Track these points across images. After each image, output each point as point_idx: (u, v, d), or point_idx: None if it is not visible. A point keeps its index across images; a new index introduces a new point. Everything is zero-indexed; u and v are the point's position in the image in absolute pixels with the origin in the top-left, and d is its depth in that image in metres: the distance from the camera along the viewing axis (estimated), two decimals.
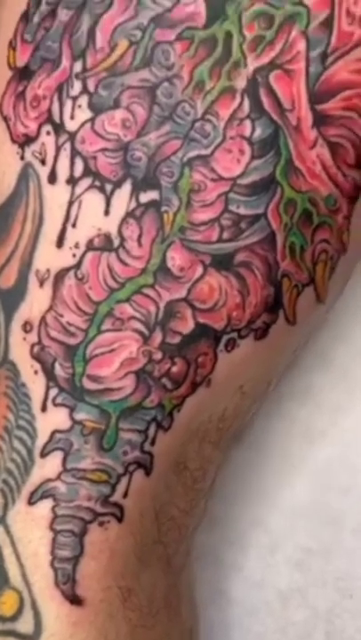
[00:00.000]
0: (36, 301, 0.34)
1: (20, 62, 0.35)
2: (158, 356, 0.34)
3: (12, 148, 0.35)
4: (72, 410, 0.34)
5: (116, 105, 0.33)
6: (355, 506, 0.47)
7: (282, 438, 0.47)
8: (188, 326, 0.34)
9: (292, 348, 0.38)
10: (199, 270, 0.34)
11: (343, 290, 0.40)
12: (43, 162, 0.34)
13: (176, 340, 0.34)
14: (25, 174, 0.35)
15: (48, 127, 0.34)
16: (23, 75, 0.35)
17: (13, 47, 0.36)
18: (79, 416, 0.34)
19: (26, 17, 0.36)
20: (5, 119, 0.36)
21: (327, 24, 0.33)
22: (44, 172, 0.34)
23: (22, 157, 0.35)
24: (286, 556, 0.46)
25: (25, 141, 0.35)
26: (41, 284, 0.34)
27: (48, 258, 0.34)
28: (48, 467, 0.35)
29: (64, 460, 0.34)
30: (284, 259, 0.35)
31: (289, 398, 0.46)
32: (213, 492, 0.40)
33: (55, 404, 0.35)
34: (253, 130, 0.34)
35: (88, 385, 0.34)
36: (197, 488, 0.38)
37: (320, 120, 0.34)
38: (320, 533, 0.47)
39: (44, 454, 0.35)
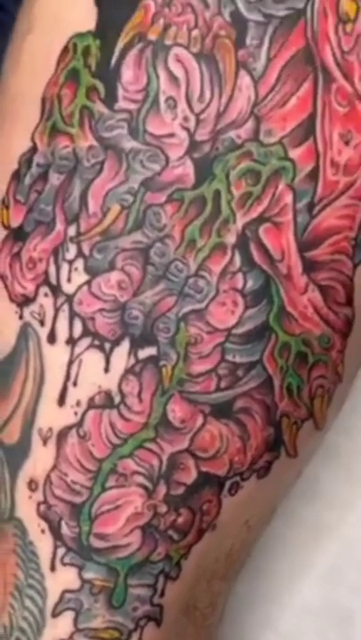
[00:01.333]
0: (40, 460, 0.35)
1: (14, 222, 0.36)
2: (163, 508, 0.35)
3: (11, 307, 0.36)
4: (81, 569, 0.35)
5: (112, 267, 0.34)
6: None
7: (290, 536, 0.48)
8: (191, 476, 0.35)
9: (294, 474, 0.39)
10: (200, 420, 0.35)
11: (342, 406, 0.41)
12: (42, 322, 0.35)
13: (180, 490, 0.35)
14: (24, 333, 0.36)
15: (45, 289, 0.35)
16: (18, 235, 0.36)
17: (6, 206, 0.37)
18: (88, 575, 0.35)
19: (17, 176, 0.37)
20: (2, 278, 0.37)
21: (313, 175, 0.34)
22: (43, 332, 0.35)
23: (21, 317, 0.36)
24: None
25: (23, 302, 0.35)
26: (44, 442, 0.35)
27: (50, 416, 0.35)
28: (60, 627, 0.35)
29: (75, 620, 0.35)
30: (282, 400, 0.35)
31: (296, 495, 0.47)
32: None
33: (64, 564, 0.35)
34: (245, 282, 0.35)
35: (95, 543, 0.35)
36: (208, 624, 0.38)
37: (310, 266, 0.35)
38: (330, 633, 0.48)
39: (55, 614, 0.35)
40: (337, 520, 0.47)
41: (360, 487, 0.47)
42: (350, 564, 0.47)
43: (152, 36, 0.34)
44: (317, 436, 0.39)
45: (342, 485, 0.48)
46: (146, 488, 0.35)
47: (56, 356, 0.34)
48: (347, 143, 0.35)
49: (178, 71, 0.34)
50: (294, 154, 0.35)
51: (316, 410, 0.37)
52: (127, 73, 0.34)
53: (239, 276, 0.35)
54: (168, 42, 0.34)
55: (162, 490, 0.35)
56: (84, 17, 0.36)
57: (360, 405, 0.47)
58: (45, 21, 0.38)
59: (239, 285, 0.35)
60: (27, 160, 0.36)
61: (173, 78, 0.34)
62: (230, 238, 0.34)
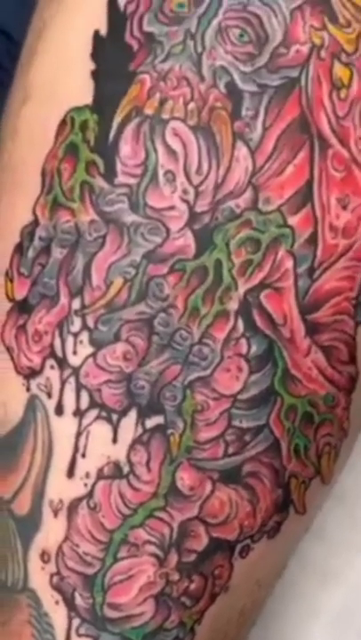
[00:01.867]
0: (51, 531, 0.35)
1: (19, 295, 0.36)
2: (176, 576, 0.35)
3: (17, 379, 0.36)
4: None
5: (117, 339, 0.35)
6: None
7: (299, 581, 0.48)
8: (202, 543, 0.35)
9: (304, 529, 0.40)
10: (209, 487, 0.35)
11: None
12: (49, 394, 0.35)
13: (192, 558, 0.35)
14: (32, 405, 0.36)
15: (52, 361, 0.35)
16: (23, 308, 0.36)
17: (10, 279, 0.37)
18: None
19: (20, 249, 0.37)
20: (8, 350, 0.37)
21: (312, 240, 0.35)
22: (50, 404, 0.35)
23: (28, 389, 0.36)
24: None
25: (30, 374, 0.36)
26: (55, 514, 0.35)
27: (60, 488, 0.35)
28: None
29: None
30: (290, 461, 0.36)
31: (305, 540, 0.47)
32: None
33: (79, 635, 0.35)
34: (249, 347, 0.35)
35: (109, 613, 0.35)
36: None
37: (312, 329, 0.35)
38: None
39: None
40: (343, 565, 0.48)
41: None
42: (358, 609, 0.48)
43: (149, 111, 0.35)
44: (325, 490, 0.39)
45: (348, 531, 0.48)
46: (157, 557, 0.35)
47: (64, 428, 0.35)
48: (344, 207, 0.36)
49: (175, 145, 0.35)
50: (293, 220, 0.35)
51: (323, 467, 0.37)
52: (125, 148, 0.35)
53: (243, 342, 0.35)
54: (165, 116, 0.35)
55: (173, 558, 0.35)
56: (81, 89, 0.37)
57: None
58: (42, 91, 0.38)
59: (243, 351, 0.35)
60: (29, 233, 0.37)
61: (171, 152, 0.35)
62: (233, 305, 0.35)
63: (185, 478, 0.35)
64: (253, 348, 0.35)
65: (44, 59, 0.38)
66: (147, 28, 0.35)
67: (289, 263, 0.35)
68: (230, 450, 0.35)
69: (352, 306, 0.36)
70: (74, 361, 0.35)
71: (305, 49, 0.35)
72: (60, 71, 0.38)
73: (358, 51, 0.35)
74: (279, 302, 0.35)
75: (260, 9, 0.35)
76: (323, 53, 0.35)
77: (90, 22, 0.37)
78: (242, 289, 0.35)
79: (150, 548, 0.35)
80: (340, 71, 0.35)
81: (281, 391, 0.35)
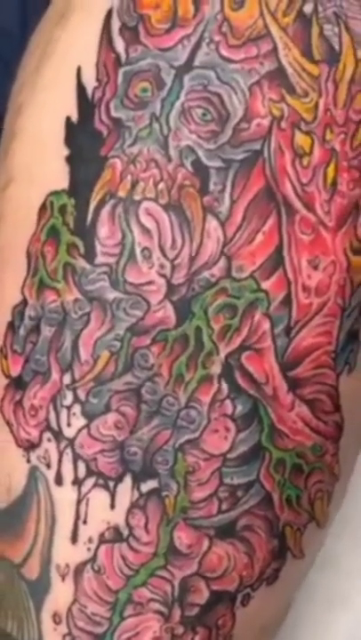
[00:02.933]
0: (60, 594, 0.37)
1: (14, 372, 0.38)
2: (180, 630, 0.37)
3: (18, 452, 0.38)
4: None
5: (107, 409, 0.36)
6: None
7: (304, 607, 0.49)
8: (203, 596, 0.37)
9: (304, 571, 0.41)
10: (206, 544, 0.37)
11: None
12: (48, 465, 0.37)
13: (195, 611, 0.37)
14: (33, 476, 0.38)
15: (48, 434, 0.37)
16: (18, 384, 0.38)
17: (5, 356, 0.39)
18: None
19: (12, 327, 0.39)
20: (8, 424, 0.39)
21: (287, 302, 0.37)
22: (50, 474, 0.37)
23: (28, 460, 0.38)
24: None
25: (29, 446, 0.38)
26: (63, 578, 0.37)
27: (65, 553, 0.37)
28: None
29: None
30: (283, 511, 0.37)
31: (312, 567, 0.49)
32: None
33: None
34: (234, 407, 0.37)
35: None
36: None
37: (294, 384, 0.37)
38: None
39: None
40: (351, 589, 0.49)
41: None
42: None
43: (122, 193, 0.37)
44: (323, 533, 0.41)
45: (355, 555, 0.49)
46: (162, 613, 0.37)
47: (65, 497, 0.37)
48: (315, 268, 0.37)
49: (149, 223, 0.37)
50: (266, 285, 0.37)
51: (317, 512, 0.38)
52: (103, 229, 0.37)
53: (228, 403, 0.37)
54: (137, 197, 0.37)
55: (177, 613, 0.37)
56: (57, 174, 0.38)
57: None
58: (22, 174, 0.40)
59: (229, 411, 0.37)
60: (19, 312, 0.38)
61: (146, 230, 0.37)
62: (215, 369, 0.37)
63: (182, 537, 0.36)
64: (239, 408, 0.37)
65: (22, 142, 0.40)
66: (114, 113, 0.37)
67: (266, 325, 0.37)
68: (224, 506, 0.37)
69: (331, 359, 0.38)
70: (69, 433, 0.37)
71: (265, 122, 0.37)
72: (37, 155, 0.40)
73: (317, 118, 0.37)
74: (260, 362, 0.37)
75: (220, 88, 0.37)
76: (283, 124, 0.37)
77: (62, 108, 0.38)
78: (223, 353, 0.36)
79: (154, 606, 0.37)
80: (301, 140, 0.37)
81: (269, 446, 0.37)
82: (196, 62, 0.36)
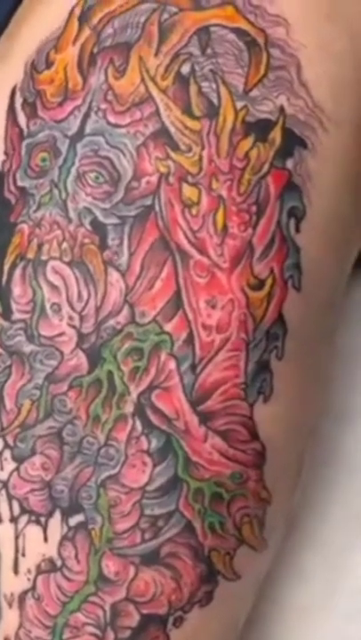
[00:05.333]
0: (9, 621, 0.41)
1: None
2: None
3: None
4: None
5: (34, 452, 0.40)
6: None
7: (276, 621, 0.50)
8: (134, 620, 0.40)
9: (246, 591, 0.42)
10: (132, 571, 0.39)
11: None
12: None
13: (127, 634, 0.40)
14: None
15: None
16: None
17: None
18: None
19: None
20: None
21: (189, 341, 0.39)
22: None
23: None
24: None
25: None
26: (10, 605, 0.41)
27: (10, 583, 0.40)
28: None
29: None
30: (206, 538, 0.40)
31: (279, 577, 0.50)
32: None
33: None
34: (149, 443, 0.39)
35: None
36: None
37: (206, 417, 0.40)
38: None
39: None
40: (323, 602, 0.49)
41: (343, 569, 0.50)
42: None
43: (30, 255, 0.40)
44: (262, 556, 0.42)
45: (326, 569, 0.50)
46: (97, 636, 0.40)
47: (5, 534, 0.40)
48: (214, 307, 0.40)
49: (56, 281, 0.40)
50: (169, 327, 0.39)
51: (246, 536, 0.40)
52: (16, 289, 0.40)
53: (143, 439, 0.40)
54: (44, 257, 0.40)
55: (110, 635, 0.40)
56: None
57: (330, 488, 0.50)
58: None
59: (145, 447, 0.40)
60: None
61: (54, 287, 0.40)
62: (129, 408, 0.39)
63: (110, 565, 0.39)
64: (153, 443, 0.39)
65: None
66: (20, 183, 0.40)
67: (172, 364, 0.39)
68: (147, 536, 0.39)
69: (242, 390, 0.40)
70: (2, 476, 0.40)
71: (154, 179, 0.39)
72: None
73: (203, 170, 0.40)
74: (169, 399, 0.40)
75: (109, 152, 0.40)
76: (171, 179, 0.40)
77: None
78: (134, 393, 0.39)
79: (89, 629, 0.40)
80: (188, 192, 0.39)
81: (185, 477, 0.40)
82: (87, 130, 0.40)
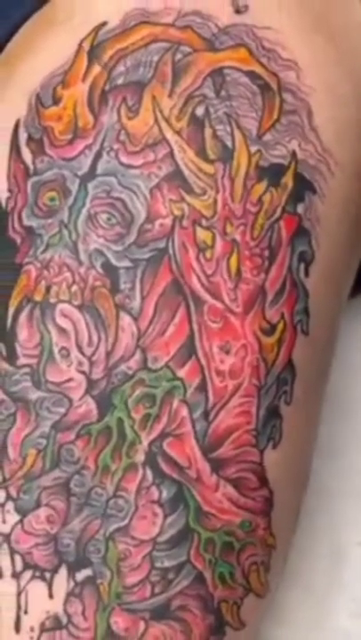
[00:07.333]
0: None
1: None
2: None
3: None
4: None
5: (38, 504, 0.38)
6: None
7: None
8: None
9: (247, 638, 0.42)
10: (142, 626, 0.38)
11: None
12: None
13: None
14: None
15: None
16: None
17: None
18: None
19: None
20: None
21: (202, 387, 0.39)
22: None
23: None
24: None
25: None
26: None
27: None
28: None
29: None
30: (216, 588, 0.39)
31: (264, 619, 0.51)
32: None
33: None
34: (160, 493, 0.38)
35: None
36: None
37: (218, 465, 0.39)
38: None
39: None
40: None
41: (323, 608, 0.50)
42: None
43: (37, 297, 0.39)
44: (264, 601, 0.42)
45: (307, 608, 0.51)
46: None
47: (5, 589, 0.38)
48: (227, 352, 0.40)
49: (65, 324, 0.39)
50: (181, 372, 0.39)
51: (253, 584, 0.40)
52: (22, 332, 0.39)
53: (154, 489, 0.38)
54: (52, 300, 0.39)
55: None
56: None
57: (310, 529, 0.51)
58: None
59: (155, 497, 0.38)
60: None
61: (63, 331, 0.39)
62: (139, 457, 0.38)
63: (119, 622, 0.38)
64: (164, 493, 0.38)
65: None
66: (26, 222, 0.39)
67: (184, 411, 0.39)
68: (157, 589, 0.38)
69: (253, 436, 0.40)
70: (4, 529, 0.38)
71: (168, 221, 0.39)
72: None
73: (217, 214, 0.39)
74: (181, 447, 0.39)
75: (122, 193, 0.39)
76: (185, 222, 0.39)
77: None
78: (145, 441, 0.38)
79: None
80: (202, 235, 0.39)
81: (197, 528, 0.39)
82: (99, 170, 0.39)
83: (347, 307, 0.46)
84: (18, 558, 0.38)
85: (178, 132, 0.39)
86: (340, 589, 0.51)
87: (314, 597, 0.51)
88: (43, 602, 0.38)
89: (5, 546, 0.38)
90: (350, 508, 0.53)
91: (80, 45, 0.39)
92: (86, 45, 0.40)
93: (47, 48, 0.40)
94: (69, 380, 0.38)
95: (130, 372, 0.38)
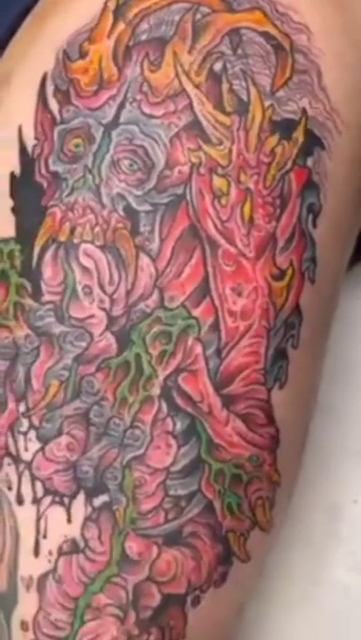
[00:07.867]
0: (26, 604, 0.40)
1: None
2: (136, 631, 0.40)
3: None
4: None
5: (60, 433, 0.40)
6: None
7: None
8: (155, 600, 0.40)
9: (252, 574, 0.44)
10: (155, 551, 0.40)
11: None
12: (9, 487, 0.41)
13: (148, 613, 0.40)
14: None
15: (8, 459, 0.41)
16: None
17: None
18: None
19: None
20: None
21: (215, 326, 0.41)
22: (11, 495, 0.41)
23: None
24: None
25: None
26: (27, 589, 0.40)
27: (29, 566, 0.40)
28: None
29: None
30: (225, 518, 0.41)
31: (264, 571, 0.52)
32: None
33: None
34: (174, 425, 0.41)
35: None
36: None
37: (228, 401, 0.41)
38: None
39: None
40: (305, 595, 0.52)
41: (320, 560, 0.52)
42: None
43: (62, 238, 0.41)
44: (269, 537, 0.44)
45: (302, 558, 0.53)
46: (118, 617, 0.40)
47: (26, 515, 0.40)
48: (239, 294, 0.42)
49: (88, 263, 0.41)
50: (196, 312, 0.41)
51: (259, 518, 0.42)
52: (47, 271, 0.41)
53: (168, 421, 0.41)
54: (76, 240, 0.41)
55: (132, 616, 0.40)
56: (4, 223, 0.42)
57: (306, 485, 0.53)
58: None
59: (170, 429, 0.41)
60: None
61: (86, 270, 0.41)
62: (155, 391, 0.40)
63: (133, 546, 0.40)
64: (178, 425, 0.40)
65: None
66: (52, 167, 0.41)
67: (198, 348, 0.41)
68: (170, 516, 0.40)
69: (261, 375, 0.42)
70: (26, 456, 0.40)
71: (186, 168, 0.41)
72: None
73: (232, 163, 0.42)
74: (195, 382, 0.41)
75: (144, 140, 0.41)
76: (202, 170, 0.41)
77: (6, 163, 0.42)
78: (161, 376, 0.40)
79: (111, 610, 0.40)
80: (218, 182, 0.41)
81: (208, 459, 0.41)
82: (122, 119, 0.41)
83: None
84: (38, 484, 0.40)
85: (197, 86, 0.41)
86: (337, 543, 0.54)
87: (312, 550, 0.53)
88: (61, 526, 0.40)
89: (27, 472, 0.40)
90: (345, 467, 0.56)
91: (105, 4, 0.42)
92: (112, 5, 0.42)
93: (74, 7, 0.42)
94: (91, 316, 0.40)
95: (148, 311, 0.40)
